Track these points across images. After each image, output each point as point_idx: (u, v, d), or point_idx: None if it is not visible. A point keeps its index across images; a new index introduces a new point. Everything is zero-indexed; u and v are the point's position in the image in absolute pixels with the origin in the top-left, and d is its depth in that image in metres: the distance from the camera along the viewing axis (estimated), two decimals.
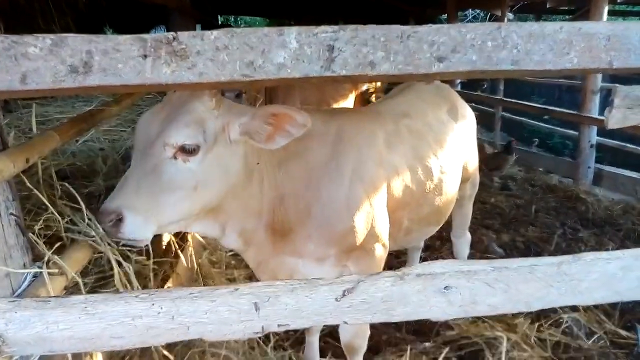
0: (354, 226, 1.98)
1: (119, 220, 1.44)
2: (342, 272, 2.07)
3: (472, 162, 3.07)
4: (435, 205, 2.50)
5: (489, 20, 12.22)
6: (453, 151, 2.64)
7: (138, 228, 1.48)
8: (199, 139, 1.61)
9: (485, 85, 9.82)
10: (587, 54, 1.25)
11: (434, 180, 2.42)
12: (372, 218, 2.05)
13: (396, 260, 3.97)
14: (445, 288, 1.32)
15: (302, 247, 2.00)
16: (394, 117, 2.38)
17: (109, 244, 1.65)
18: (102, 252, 1.64)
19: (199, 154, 1.61)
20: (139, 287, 1.77)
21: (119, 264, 1.67)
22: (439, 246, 4.26)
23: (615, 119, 1.50)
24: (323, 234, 1.96)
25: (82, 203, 1.56)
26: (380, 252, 2.14)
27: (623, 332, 3.13)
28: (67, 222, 1.60)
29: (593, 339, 3.06)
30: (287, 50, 1.14)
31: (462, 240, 3.50)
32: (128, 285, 1.70)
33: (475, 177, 3.24)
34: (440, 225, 2.87)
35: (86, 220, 1.58)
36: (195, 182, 1.62)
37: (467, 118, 3.03)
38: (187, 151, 1.59)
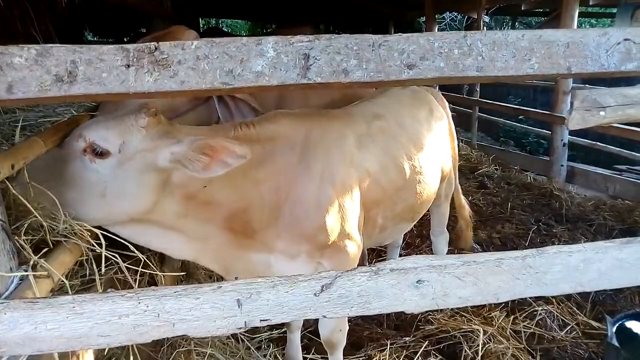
0: (324, 225, 2.02)
1: None
2: (316, 268, 2.11)
3: (448, 162, 3.16)
4: (409, 203, 2.56)
5: (466, 22, 12.44)
6: (429, 151, 2.70)
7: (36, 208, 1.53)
8: (113, 146, 1.63)
9: (468, 88, 10.02)
10: (547, 60, 1.33)
11: (408, 179, 2.48)
12: (343, 217, 2.09)
13: (377, 258, 4.06)
14: (418, 282, 1.38)
15: (271, 244, 2.03)
16: (366, 119, 2.42)
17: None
18: (87, 256, 1.67)
19: (108, 160, 1.63)
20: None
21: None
22: (418, 243, 4.37)
23: (575, 120, 1.59)
24: (293, 232, 2.00)
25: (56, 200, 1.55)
26: (354, 250, 2.19)
27: (594, 323, 3.25)
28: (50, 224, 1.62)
29: (566, 330, 3.18)
30: (264, 58, 1.20)
31: (441, 239, 3.61)
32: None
33: (451, 176, 3.32)
34: (415, 222, 2.95)
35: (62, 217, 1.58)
36: (102, 188, 1.63)
37: (444, 120, 3.11)
38: (96, 152, 1.62)
